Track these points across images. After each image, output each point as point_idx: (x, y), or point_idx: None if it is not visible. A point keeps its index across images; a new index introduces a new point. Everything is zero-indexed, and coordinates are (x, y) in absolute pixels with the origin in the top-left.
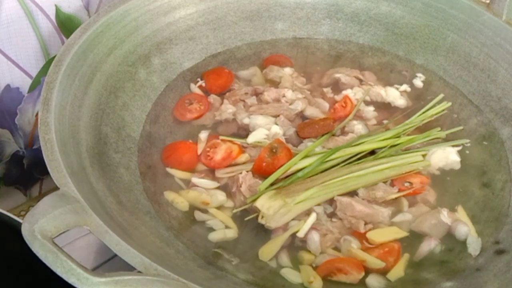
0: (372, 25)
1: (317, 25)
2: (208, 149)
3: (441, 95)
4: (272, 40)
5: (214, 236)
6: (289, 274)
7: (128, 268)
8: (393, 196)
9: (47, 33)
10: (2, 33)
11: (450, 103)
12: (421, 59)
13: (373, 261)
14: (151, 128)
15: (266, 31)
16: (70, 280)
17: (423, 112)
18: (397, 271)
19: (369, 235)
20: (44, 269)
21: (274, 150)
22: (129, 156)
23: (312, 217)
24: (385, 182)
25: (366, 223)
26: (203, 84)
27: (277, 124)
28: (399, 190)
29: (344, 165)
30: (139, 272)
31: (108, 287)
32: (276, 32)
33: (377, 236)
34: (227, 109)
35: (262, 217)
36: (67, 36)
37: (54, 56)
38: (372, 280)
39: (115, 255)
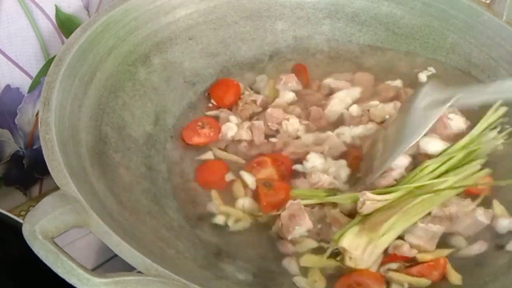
0: (373, 25)
1: (317, 25)
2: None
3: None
4: (272, 40)
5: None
6: (301, 282)
7: (128, 268)
8: (469, 208)
9: (47, 33)
10: (2, 33)
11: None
12: (421, 59)
13: (417, 281)
14: (152, 130)
15: (266, 31)
16: (71, 280)
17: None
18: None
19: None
20: (44, 269)
21: (267, 184)
22: (129, 156)
23: None
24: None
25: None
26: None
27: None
28: (468, 193)
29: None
30: (140, 272)
31: None
32: (276, 32)
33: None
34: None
35: (350, 258)
36: (67, 36)
37: (54, 56)
38: None
39: (116, 255)
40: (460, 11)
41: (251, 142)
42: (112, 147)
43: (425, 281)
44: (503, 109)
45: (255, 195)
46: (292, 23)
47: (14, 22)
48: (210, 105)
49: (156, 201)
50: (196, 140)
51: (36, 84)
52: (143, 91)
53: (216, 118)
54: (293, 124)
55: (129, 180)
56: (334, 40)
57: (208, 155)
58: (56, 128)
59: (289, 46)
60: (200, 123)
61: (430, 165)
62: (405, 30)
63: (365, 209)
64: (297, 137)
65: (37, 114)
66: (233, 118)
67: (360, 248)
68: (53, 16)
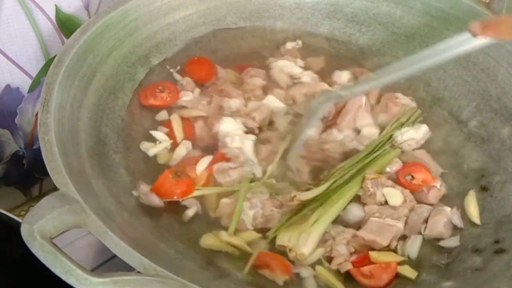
0: (372, 25)
1: (316, 25)
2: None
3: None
4: (272, 40)
5: None
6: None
7: (127, 268)
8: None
9: (47, 33)
10: (2, 33)
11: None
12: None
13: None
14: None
15: (266, 31)
16: (69, 280)
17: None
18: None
19: (372, 254)
20: (44, 269)
21: (178, 174)
22: (128, 157)
23: None
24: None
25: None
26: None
27: None
28: (402, 185)
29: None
30: (138, 272)
31: None
32: (276, 32)
33: (380, 257)
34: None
35: (290, 250)
36: (67, 36)
37: (54, 57)
38: None
39: (115, 256)
40: (459, 10)
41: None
42: (111, 147)
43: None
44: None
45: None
46: (291, 23)
47: (14, 22)
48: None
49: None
50: (151, 101)
51: (36, 84)
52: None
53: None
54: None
55: (129, 180)
56: (334, 40)
57: (163, 115)
58: (56, 129)
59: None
60: (160, 87)
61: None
62: (405, 30)
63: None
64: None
65: (37, 114)
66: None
67: (293, 239)
68: (53, 16)
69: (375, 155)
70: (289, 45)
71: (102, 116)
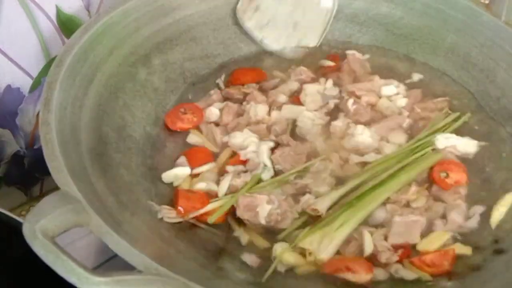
0: (372, 26)
1: None
2: None
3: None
4: None
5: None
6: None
7: (128, 267)
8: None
9: (47, 33)
10: (3, 33)
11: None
12: (421, 60)
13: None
14: (152, 130)
15: None
16: (71, 279)
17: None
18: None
19: (420, 247)
20: (45, 269)
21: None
22: (129, 156)
23: None
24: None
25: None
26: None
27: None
28: (433, 180)
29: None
30: (139, 271)
31: (109, 287)
32: None
33: (428, 245)
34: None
35: (310, 254)
36: (68, 37)
37: (55, 57)
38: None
39: (115, 255)
40: (459, 11)
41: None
42: (112, 147)
43: (428, 277)
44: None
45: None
46: None
47: (15, 22)
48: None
49: (156, 201)
50: (179, 125)
51: (37, 84)
52: (143, 92)
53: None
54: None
55: (130, 180)
56: (334, 41)
57: (191, 138)
58: (57, 129)
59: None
60: (182, 109)
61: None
62: (404, 30)
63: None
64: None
65: (38, 114)
66: (217, 103)
67: (315, 242)
68: (53, 17)
69: (412, 158)
70: None
71: (103, 116)
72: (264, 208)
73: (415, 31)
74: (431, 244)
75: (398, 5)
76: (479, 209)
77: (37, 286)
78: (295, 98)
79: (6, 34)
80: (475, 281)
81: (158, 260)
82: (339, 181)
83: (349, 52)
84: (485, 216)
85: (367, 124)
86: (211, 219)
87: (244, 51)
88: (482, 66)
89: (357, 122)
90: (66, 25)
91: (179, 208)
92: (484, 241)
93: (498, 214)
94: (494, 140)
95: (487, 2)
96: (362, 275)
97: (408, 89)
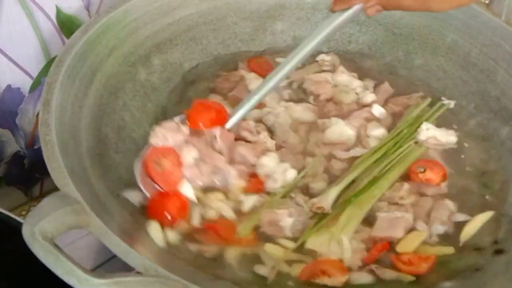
0: (372, 26)
1: (317, 25)
2: None
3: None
4: (271, 40)
5: None
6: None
7: (128, 268)
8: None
9: (47, 33)
10: (3, 33)
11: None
12: (421, 59)
13: (403, 276)
14: (151, 130)
15: (266, 32)
16: (70, 281)
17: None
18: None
19: (399, 248)
20: (44, 269)
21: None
22: (129, 157)
23: None
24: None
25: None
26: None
27: None
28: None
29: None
30: (139, 273)
31: None
32: (276, 32)
33: (407, 246)
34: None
35: (320, 255)
36: (68, 37)
37: (55, 57)
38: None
39: (115, 256)
40: (459, 11)
41: None
42: (112, 148)
43: (410, 277)
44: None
45: None
46: (291, 23)
47: (15, 22)
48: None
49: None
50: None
51: (37, 84)
52: (143, 92)
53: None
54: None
55: (130, 181)
56: (334, 41)
57: None
58: (57, 129)
59: (288, 46)
60: (156, 158)
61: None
62: (404, 30)
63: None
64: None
65: (37, 114)
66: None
67: (324, 245)
68: (53, 17)
69: (399, 152)
70: None
71: (103, 116)
72: (286, 221)
73: (415, 31)
74: (409, 244)
75: None
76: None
77: (37, 286)
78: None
79: (6, 34)
80: (475, 281)
81: (158, 262)
82: (332, 177)
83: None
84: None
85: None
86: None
87: (244, 51)
88: (482, 66)
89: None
90: (66, 25)
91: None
92: (484, 242)
93: (470, 229)
94: (494, 140)
95: (487, 2)
96: (338, 278)
97: (377, 85)
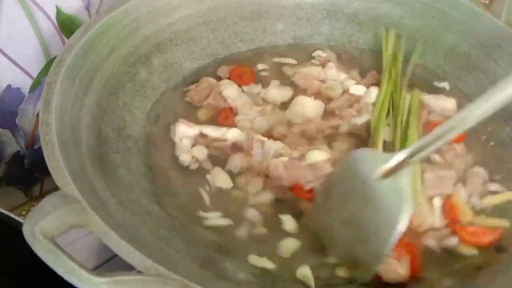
0: (372, 26)
1: (317, 25)
2: None
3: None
4: (271, 40)
5: None
6: None
7: (128, 268)
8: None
9: (47, 33)
10: (3, 33)
11: None
12: (421, 60)
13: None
14: (152, 130)
15: (266, 32)
16: (71, 280)
17: None
18: None
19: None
20: (44, 269)
21: None
22: (129, 157)
23: None
24: None
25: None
26: None
27: None
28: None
29: None
30: (140, 272)
31: (109, 287)
32: (276, 32)
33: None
34: None
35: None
36: (68, 37)
37: (55, 57)
38: None
39: (116, 255)
40: (459, 11)
41: None
42: (112, 147)
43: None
44: None
45: None
46: (291, 23)
47: (15, 22)
48: None
49: (156, 201)
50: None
51: (37, 84)
52: (143, 92)
53: None
54: None
55: (130, 181)
56: (334, 41)
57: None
58: (57, 129)
59: (288, 46)
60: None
61: None
62: (405, 30)
63: None
64: None
65: (38, 114)
66: None
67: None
68: (53, 17)
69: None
70: None
71: (103, 116)
72: None
73: (416, 31)
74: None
75: (399, 5)
76: None
77: (37, 286)
78: None
79: (6, 34)
80: (475, 281)
81: (158, 261)
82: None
83: None
84: None
85: None
86: None
87: (244, 51)
88: (482, 66)
89: None
90: (66, 25)
91: None
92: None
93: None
94: (494, 140)
95: (487, 2)
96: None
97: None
